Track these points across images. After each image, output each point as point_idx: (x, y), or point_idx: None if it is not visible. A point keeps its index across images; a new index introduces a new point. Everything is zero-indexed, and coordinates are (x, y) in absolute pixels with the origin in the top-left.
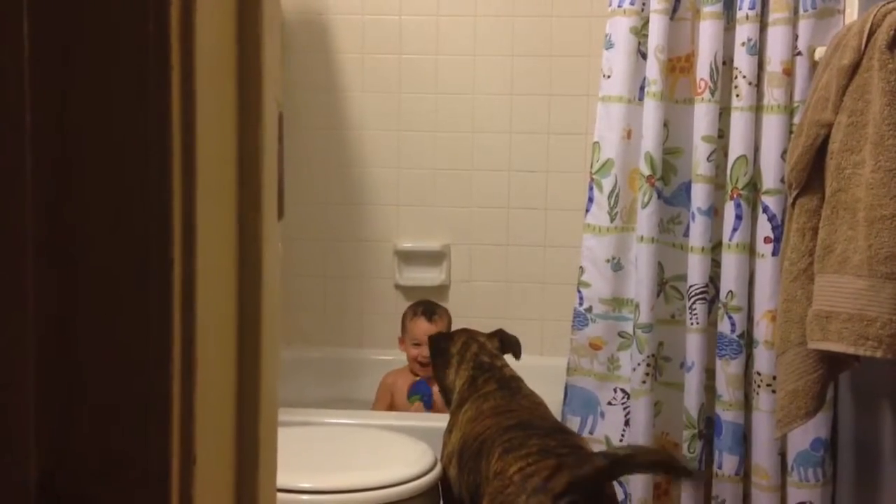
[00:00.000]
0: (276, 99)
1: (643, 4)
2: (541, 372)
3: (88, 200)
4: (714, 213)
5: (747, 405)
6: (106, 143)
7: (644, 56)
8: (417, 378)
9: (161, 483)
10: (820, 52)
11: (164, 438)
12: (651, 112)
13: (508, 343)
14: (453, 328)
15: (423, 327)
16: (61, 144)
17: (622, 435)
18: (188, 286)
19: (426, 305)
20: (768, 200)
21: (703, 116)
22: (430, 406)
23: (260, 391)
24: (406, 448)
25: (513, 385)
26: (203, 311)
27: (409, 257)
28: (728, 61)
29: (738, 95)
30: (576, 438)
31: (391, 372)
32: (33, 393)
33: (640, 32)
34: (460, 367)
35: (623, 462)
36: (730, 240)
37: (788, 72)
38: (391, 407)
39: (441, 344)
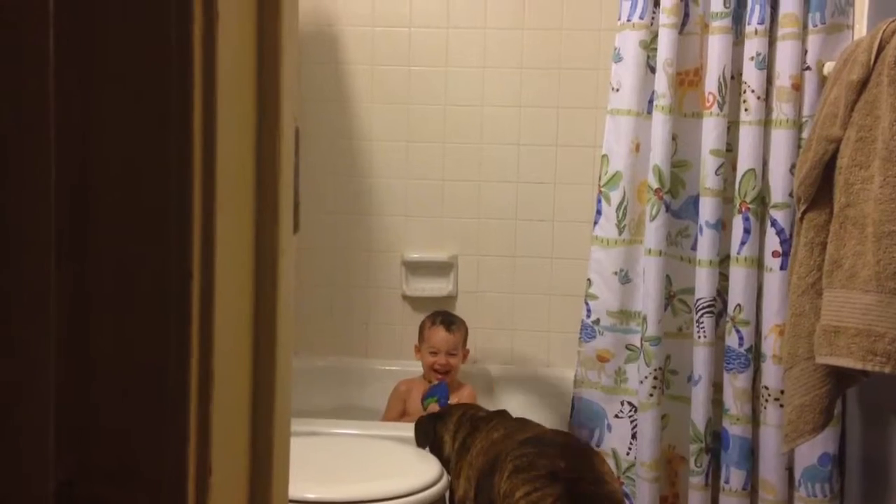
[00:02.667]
0: (293, 114)
1: (652, 18)
2: (547, 384)
3: (109, 214)
4: (722, 226)
5: (755, 419)
6: (128, 157)
7: (653, 70)
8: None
9: (178, 494)
10: (829, 67)
11: (181, 450)
12: (659, 125)
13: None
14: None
15: (441, 336)
16: (84, 157)
17: (629, 448)
18: (206, 299)
19: (444, 315)
20: (776, 214)
21: (711, 130)
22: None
23: (274, 403)
24: (413, 459)
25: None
26: (220, 323)
27: (416, 268)
28: (737, 75)
29: (746, 109)
30: (589, 458)
31: (405, 380)
32: (52, 406)
33: (649, 46)
34: (459, 427)
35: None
36: (738, 253)
37: (797, 86)
38: (403, 415)
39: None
